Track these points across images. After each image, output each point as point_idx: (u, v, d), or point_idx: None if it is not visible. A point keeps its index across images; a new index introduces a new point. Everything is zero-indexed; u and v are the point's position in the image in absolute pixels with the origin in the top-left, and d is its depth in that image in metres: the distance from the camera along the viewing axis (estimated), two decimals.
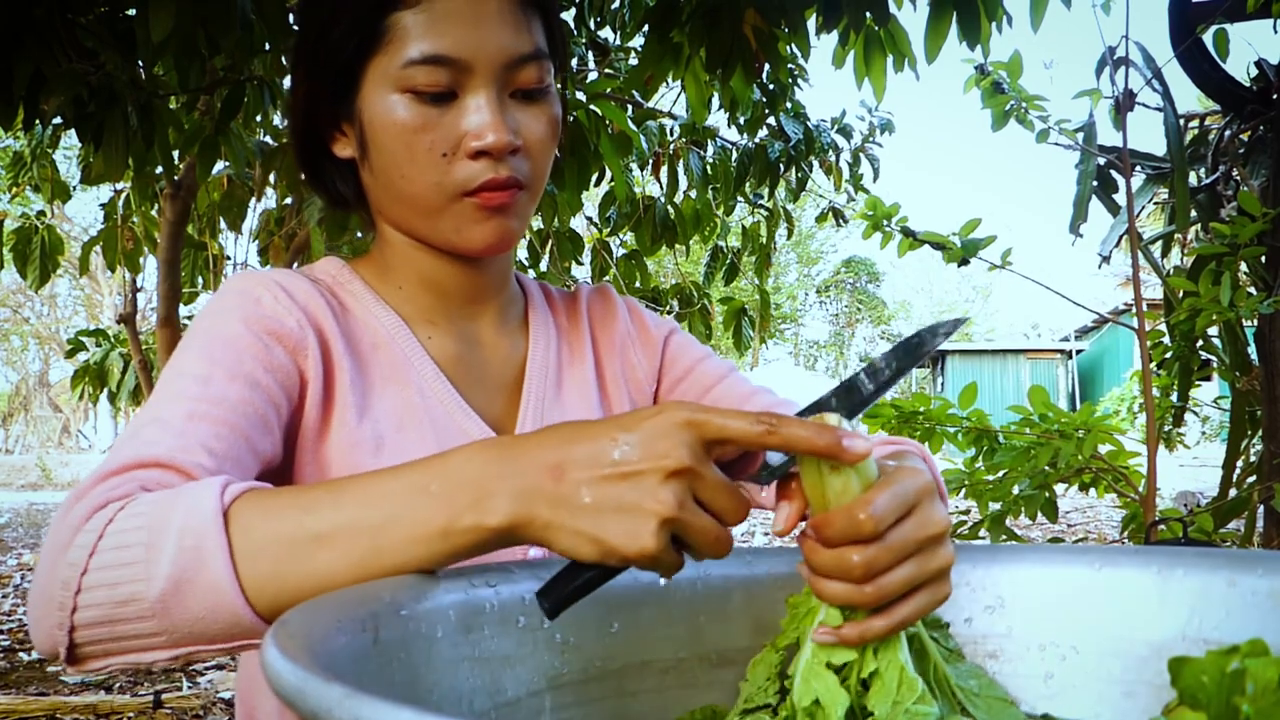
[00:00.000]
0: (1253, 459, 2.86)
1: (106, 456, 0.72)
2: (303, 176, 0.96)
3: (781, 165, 3.79)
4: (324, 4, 0.85)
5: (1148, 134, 2.90)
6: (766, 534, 7.88)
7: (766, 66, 2.49)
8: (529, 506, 0.58)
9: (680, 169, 3.78)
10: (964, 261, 2.39)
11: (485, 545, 0.60)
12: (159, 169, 2.78)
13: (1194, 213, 2.82)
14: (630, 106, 3.52)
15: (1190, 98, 4.42)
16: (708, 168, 3.78)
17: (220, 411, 0.75)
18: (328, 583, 0.61)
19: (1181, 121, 2.78)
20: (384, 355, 0.89)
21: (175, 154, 2.80)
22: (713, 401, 1.00)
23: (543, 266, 3.83)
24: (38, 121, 2.81)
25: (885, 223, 2.46)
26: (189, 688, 3.62)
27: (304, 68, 0.88)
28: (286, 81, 2.81)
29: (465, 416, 0.89)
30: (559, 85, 0.91)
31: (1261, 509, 2.66)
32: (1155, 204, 3.36)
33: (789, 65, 3.41)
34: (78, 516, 0.64)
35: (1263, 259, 2.57)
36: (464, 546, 0.60)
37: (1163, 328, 2.83)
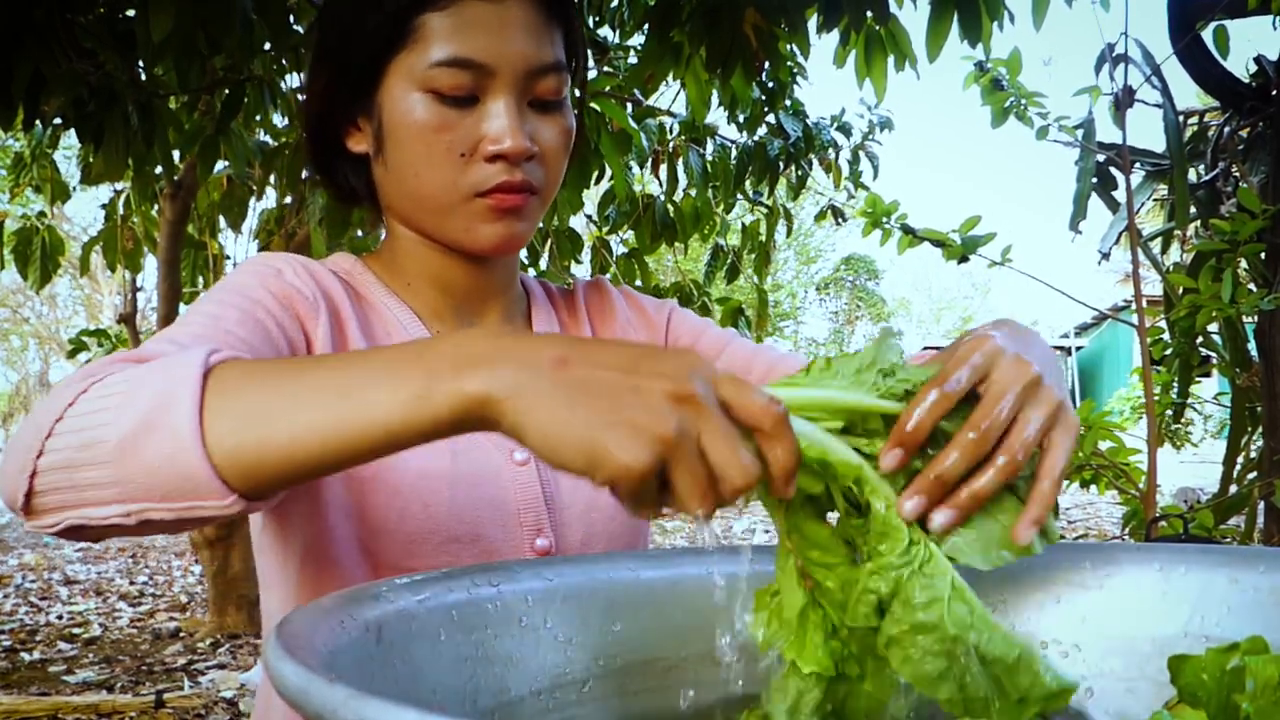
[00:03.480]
0: (1253, 455, 2.86)
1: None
2: (312, 169, 0.98)
3: (781, 163, 3.79)
4: None
5: (1147, 131, 2.89)
6: (768, 531, 7.89)
7: (766, 65, 2.49)
8: (517, 386, 0.51)
9: (680, 167, 3.77)
10: (964, 259, 2.39)
11: (460, 419, 0.53)
12: (159, 169, 2.79)
13: (1193, 209, 2.82)
14: (630, 104, 3.52)
15: (1190, 94, 4.42)
16: (707, 166, 3.77)
17: (225, 342, 0.76)
18: (292, 442, 0.57)
19: (1181, 118, 2.78)
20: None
21: (175, 154, 2.80)
22: None
23: (542, 265, 3.83)
24: (38, 122, 2.81)
25: (885, 220, 2.46)
26: (190, 687, 3.62)
27: (326, 59, 0.89)
28: (286, 81, 2.81)
29: None
30: (574, 97, 0.92)
31: (1262, 505, 2.66)
32: (1155, 201, 3.36)
33: (789, 64, 3.40)
34: (74, 377, 0.64)
35: (1262, 255, 2.57)
36: (436, 417, 0.54)
37: (1163, 324, 2.83)
